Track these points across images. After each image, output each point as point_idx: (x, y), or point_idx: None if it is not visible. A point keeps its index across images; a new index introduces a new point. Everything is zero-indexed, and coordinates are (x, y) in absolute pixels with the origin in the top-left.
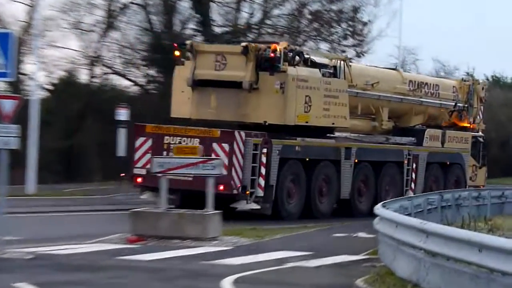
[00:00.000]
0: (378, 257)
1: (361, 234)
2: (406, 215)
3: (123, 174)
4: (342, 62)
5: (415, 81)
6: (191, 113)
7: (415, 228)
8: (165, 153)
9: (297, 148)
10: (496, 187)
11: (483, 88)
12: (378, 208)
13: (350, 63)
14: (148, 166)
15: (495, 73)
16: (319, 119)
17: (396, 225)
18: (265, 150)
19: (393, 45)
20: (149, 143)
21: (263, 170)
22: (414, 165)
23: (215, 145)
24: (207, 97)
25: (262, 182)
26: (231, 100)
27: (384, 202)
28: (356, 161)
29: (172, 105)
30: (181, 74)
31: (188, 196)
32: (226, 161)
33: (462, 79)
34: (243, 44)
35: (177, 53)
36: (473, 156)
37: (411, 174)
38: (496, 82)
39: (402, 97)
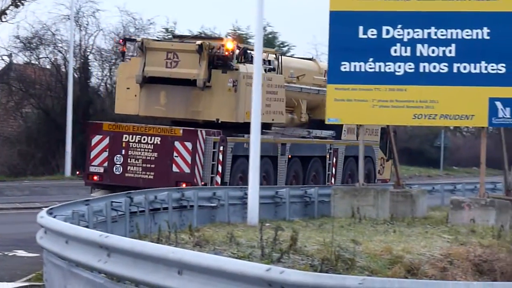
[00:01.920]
0: (44, 283)
1: (21, 252)
2: (85, 226)
3: (78, 172)
4: (274, 55)
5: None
6: (139, 110)
7: (93, 243)
8: (123, 151)
9: (245, 145)
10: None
11: None
12: (43, 216)
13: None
14: (106, 164)
15: (204, 29)
16: (263, 115)
17: (66, 239)
18: (221, 148)
19: None
20: (106, 141)
21: (219, 168)
22: (334, 160)
23: (177, 144)
24: (156, 94)
25: (219, 179)
26: (182, 97)
27: (52, 208)
28: (289, 156)
29: (116, 102)
30: (126, 71)
31: None
32: (189, 159)
33: None
34: (198, 42)
35: (122, 48)
36: (381, 148)
37: (332, 169)
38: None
39: (319, 88)
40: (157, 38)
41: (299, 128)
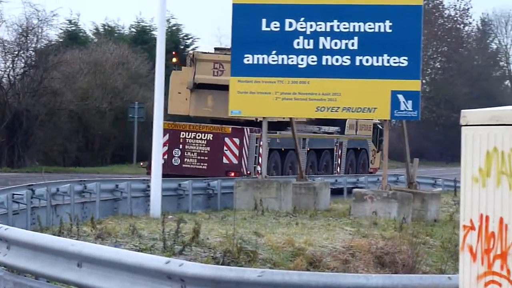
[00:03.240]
0: None
1: None
2: None
3: (142, 164)
4: None
5: None
6: (190, 111)
7: None
8: (181, 146)
9: (277, 140)
10: (109, 177)
11: None
12: None
13: None
14: (165, 157)
15: (108, 21)
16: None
17: None
18: (261, 143)
19: None
20: (166, 137)
21: (259, 159)
22: (340, 151)
23: (227, 139)
24: (204, 98)
25: (259, 169)
26: (226, 100)
27: None
28: (308, 149)
29: (170, 104)
30: (178, 78)
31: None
32: (237, 153)
33: None
34: None
35: (174, 59)
36: (373, 142)
37: (338, 159)
38: (110, 33)
39: None
40: (205, 51)
41: (309, 125)
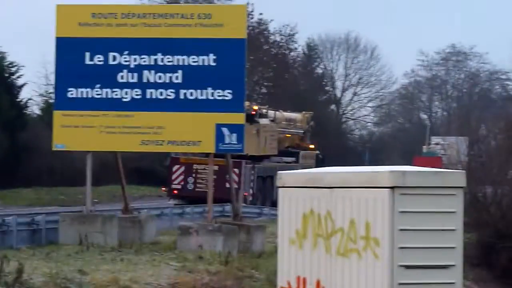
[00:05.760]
0: None
1: None
2: None
3: (164, 188)
4: (274, 111)
5: (290, 118)
6: None
7: None
8: (194, 175)
9: (262, 169)
10: None
11: (312, 117)
12: None
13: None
14: (182, 183)
15: None
16: (269, 150)
17: None
18: (253, 172)
19: None
20: (182, 168)
21: (251, 184)
22: None
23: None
24: None
25: (250, 191)
26: None
27: None
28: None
29: None
30: None
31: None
32: (237, 180)
33: (303, 112)
34: None
35: None
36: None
37: None
38: None
39: (284, 130)
40: None
41: (276, 158)
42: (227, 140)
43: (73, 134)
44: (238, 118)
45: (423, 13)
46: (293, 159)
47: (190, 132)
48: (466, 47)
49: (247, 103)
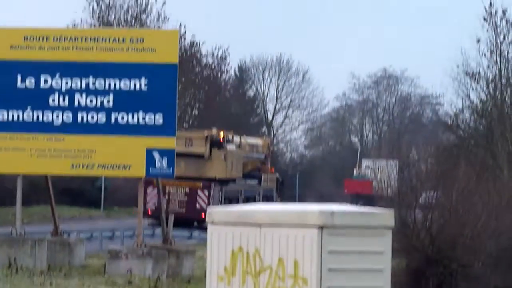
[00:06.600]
0: None
1: None
2: None
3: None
4: (239, 137)
5: (252, 144)
6: None
7: None
8: (166, 196)
9: (228, 191)
10: None
11: (272, 143)
12: None
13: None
14: (155, 203)
15: None
16: (234, 173)
17: None
18: (221, 193)
19: None
20: (155, 190)
21: (219, 205)
22: (260, 199)
23: (199, 191)
24: (178, 162)
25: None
26: (194, 164)
27: None
28: (243, 197)
29: None
30: None
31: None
32: (206, 200)
33: (264, 137)
34: (205, 133)
35: None
36: (276, 190)
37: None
38: None
39: (247, 155)
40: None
41: (241, 181)
42: (158, 165)
43: (3, 156)
44: (169, 142)
45: (355, 37)
46: (256, 181)
47: (120, 156)
48: (397, 71)
49: (214, 130)
